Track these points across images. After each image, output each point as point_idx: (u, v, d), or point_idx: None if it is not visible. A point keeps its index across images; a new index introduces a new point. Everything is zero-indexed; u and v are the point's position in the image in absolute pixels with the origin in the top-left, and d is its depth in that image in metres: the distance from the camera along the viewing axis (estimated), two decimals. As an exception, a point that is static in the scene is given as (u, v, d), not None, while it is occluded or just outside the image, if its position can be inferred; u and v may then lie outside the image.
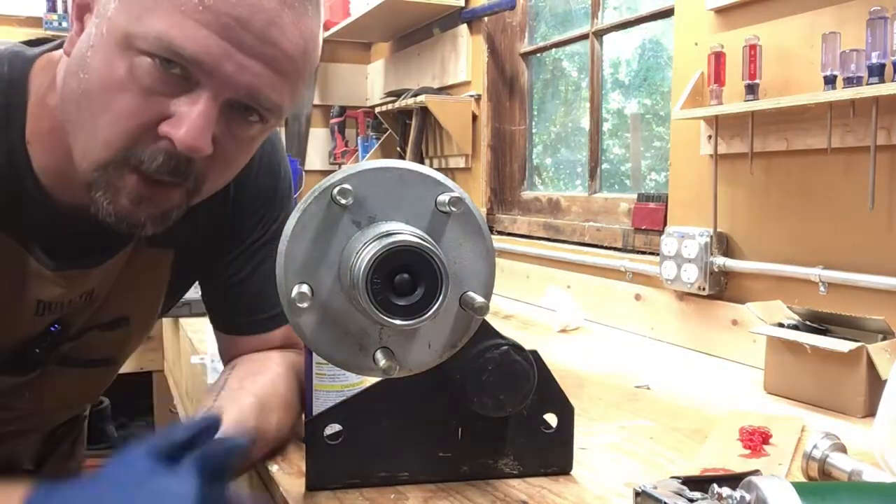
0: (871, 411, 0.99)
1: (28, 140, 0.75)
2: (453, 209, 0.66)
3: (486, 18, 2.40)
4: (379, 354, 0.67)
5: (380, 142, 3.04)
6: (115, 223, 0.71)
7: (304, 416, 0.91)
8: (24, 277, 0.78)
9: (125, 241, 0.84)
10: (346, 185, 0.64)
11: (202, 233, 0.89)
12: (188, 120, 0.67)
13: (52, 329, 0.84)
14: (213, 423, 0.66)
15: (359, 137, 3.25)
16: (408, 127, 2.78)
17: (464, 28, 2.51)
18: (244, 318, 0.96)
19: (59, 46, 0.78)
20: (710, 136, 1.44)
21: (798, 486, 0.52)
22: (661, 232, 1.60)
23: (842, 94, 1.14)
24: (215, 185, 0.77)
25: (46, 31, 3.26)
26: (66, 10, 3.34)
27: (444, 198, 0.66)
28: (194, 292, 1.03)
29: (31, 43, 0.81)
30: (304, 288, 0.64)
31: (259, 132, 0.75)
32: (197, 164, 0.71)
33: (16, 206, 0.75)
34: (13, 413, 0.90)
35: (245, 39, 0.66)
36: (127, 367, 1.00)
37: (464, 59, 2.52)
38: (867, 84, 1.13)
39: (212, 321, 1.01)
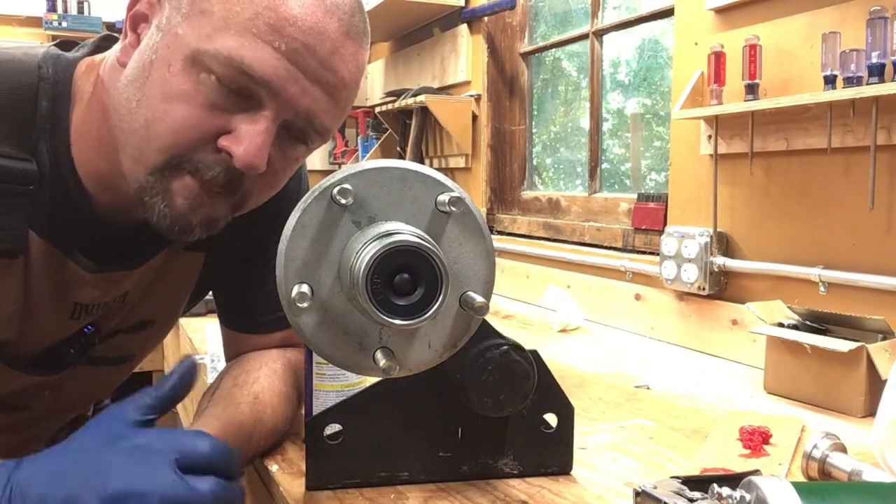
0: (871, 411, 0.99)
1: (72, 143, 0.76)
2: (453, 209, 0.66)
3: (486, 18, 2.40)
4: (379, 354, 0.67)
5: (380, 142, 3.03)
6: (169, 226, 0.72)
7: (304, 415, 0.91)
8: (63, 280, 0.79)
9: (163, 244, 0.84)
10: (346, 185, 0.64)
11: (234, 236, 0.90)
12: (248, 137, 0.69)
13: (86, 330, 0.85)
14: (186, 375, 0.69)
15: (359, 137, 3.25)
16: (408, 127, 2.78)
17: (464, 28, 2.51)
18: (256, 318, 0.97)
19: (94, 52, 0.80)
20: (710, 136, 1.44)
21: (798, 486, 0.52)
22: (661, 232, 1.60)
23: (842, 94, 1.14)
24: (258, 202, 0.79)
25: (46, 31, 3.26)
26: (65, 10, 3.34)
27: (444, 198, 0.66)
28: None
29: (61, 46, 0.81)
30: (304, 288, 0.64)
31: (303, 153, 0.78)
32: (246, 181, 0.73)
33: (58, 210, 0.76)
34: (29, 413, 0.90)
35: (310, 65, 0.69)
36: (127, 367, 1.00)
37: (464, 59, 2.52)
38: (867, 84, 1.13)
39: (220, 317, 1.01)
